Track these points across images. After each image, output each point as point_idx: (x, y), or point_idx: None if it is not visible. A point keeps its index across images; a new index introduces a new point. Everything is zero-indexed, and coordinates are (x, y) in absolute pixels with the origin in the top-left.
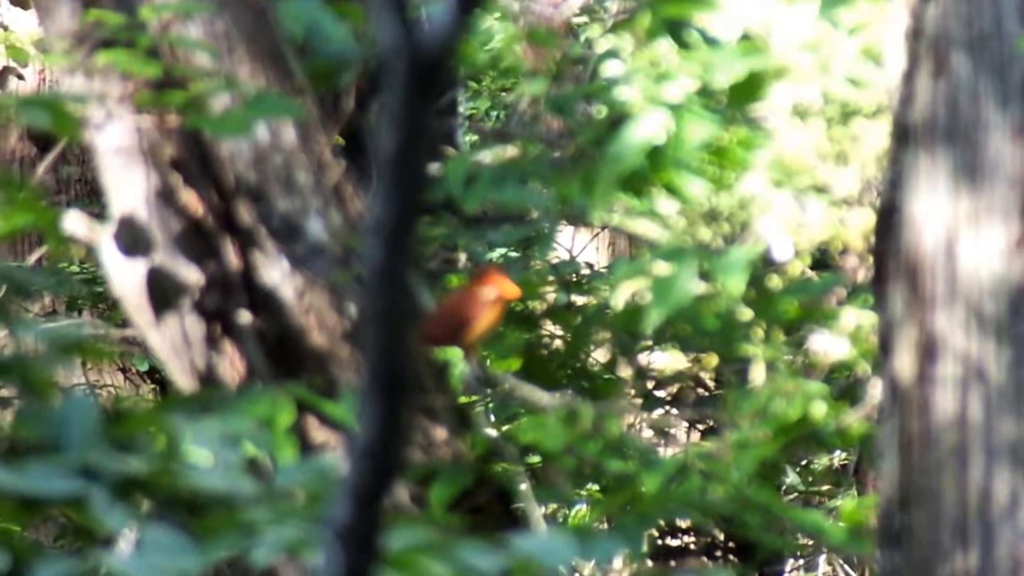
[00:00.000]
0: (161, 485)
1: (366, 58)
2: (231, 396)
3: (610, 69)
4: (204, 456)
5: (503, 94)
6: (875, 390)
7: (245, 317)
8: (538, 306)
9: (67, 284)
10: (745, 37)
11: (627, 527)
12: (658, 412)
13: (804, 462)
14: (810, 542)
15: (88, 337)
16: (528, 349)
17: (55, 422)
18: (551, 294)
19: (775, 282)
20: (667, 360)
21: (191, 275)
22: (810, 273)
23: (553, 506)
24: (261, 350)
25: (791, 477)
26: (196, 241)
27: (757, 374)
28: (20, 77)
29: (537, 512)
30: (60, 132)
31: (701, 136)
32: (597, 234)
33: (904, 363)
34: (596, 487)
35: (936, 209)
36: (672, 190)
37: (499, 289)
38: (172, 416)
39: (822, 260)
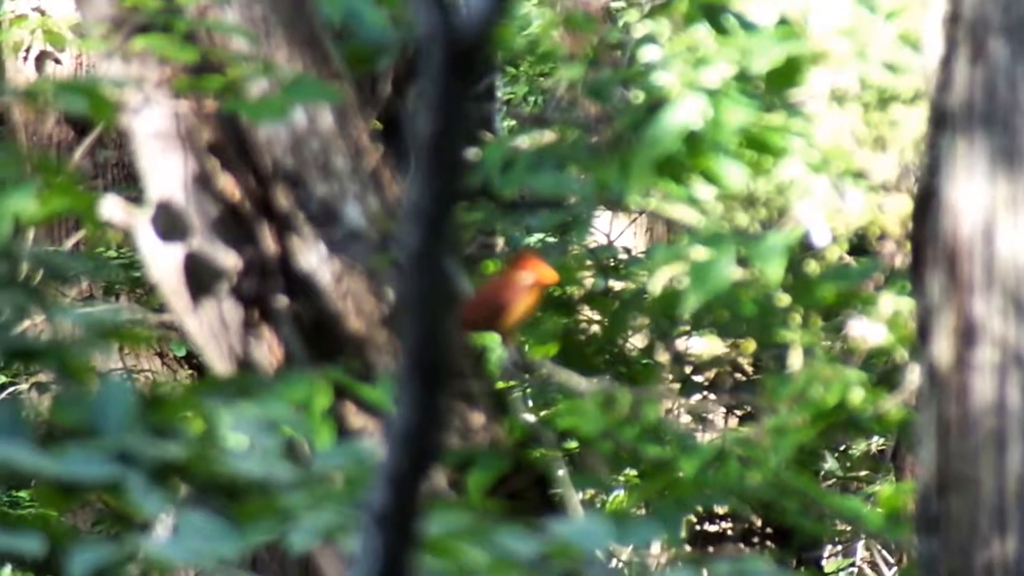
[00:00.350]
0: (198, 470)
1: (403, 43)
2: (268, 381)
3: (648, 54)
4: (241, 441)
5: (541, 79)
6: (913, 376)
7: (282, 302)
8: (576, 291)
9: (104, 269)
10: (783, 22)
11: (665, 512)
12: (696, 397)
13: (842, 448)
14: (848, 528)
15: (125, 322)
16: (566, 334)
17: (92, 407)
18: (589, 279)
19: (813, 268)
20: (705, 345)
21: (228, 260)
22: (848, 259)
23: (591, 491)
24: (298, 335)
25: (829, 463)
26: (233, 226)
27: (795, 360)
28: (57, 62)
29: (575, 497)
30: (97, 117)
31: (739, 121)
32: (635, 219)
33: (942, 349)
34: (634, 472)
35: (974, 194)
36: (710, 175)
37: (536, 274)
38: (209, 401)
39: (860, 246)
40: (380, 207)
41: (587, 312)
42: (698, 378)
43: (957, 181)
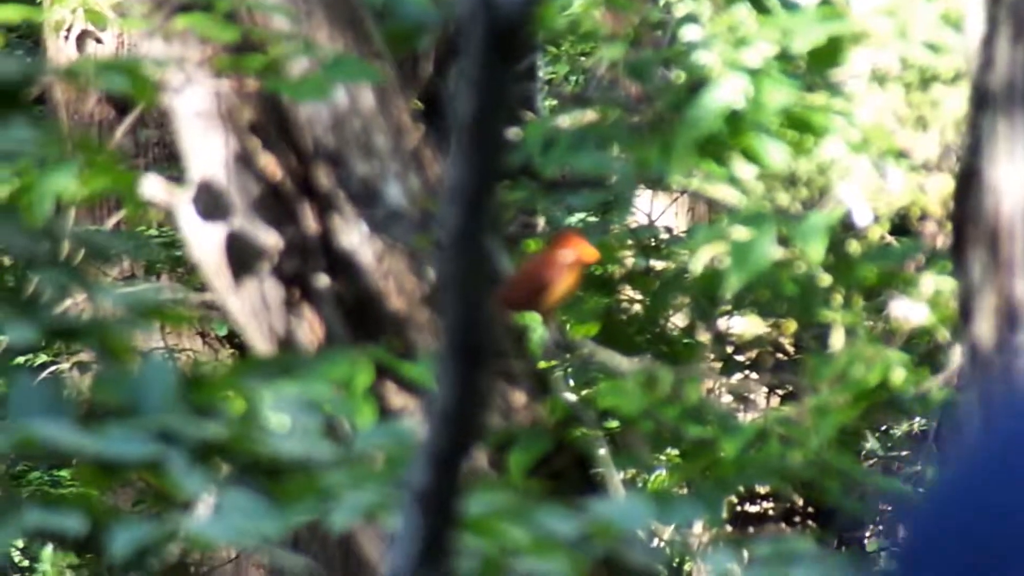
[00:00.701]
0: (239, 449)
1: (445, 22)
2: (309, 360)
3: (689, 34)
4: (282, 420)
5: (582, 59)
6: (955, 356)
7: (323, 281)
8: (617, 271)
9: (145, 248)
10: (824, 2)
11: (706, 492)
12: (737, 377)
13: (883, 428)
14: (889, 508)
15: (166, 301)
16: (607, 314)
17: (134, 386)
18: (630, 259)
19: (854, 247)
20: (746, 325)
21: (270, 239)
22: (889, 239)
23: (632, 471)
24: (339, 314)
25: (870, 443)
26: (274, 205)
27: (836, 339)
28: (99, 41)
29: (616, 477)
30: (138, 96)
31: (780, 101)
32: (676, 199)
33: (984, 329)
34: (675, 452)
35: (1015, 174)
36: (751, 155)
37: (577, 253)
38: (250, 380)
39: (901, 225)
40: (421, 186)
41: (628, 292)
42: (739, 358)
43: (998, 161)
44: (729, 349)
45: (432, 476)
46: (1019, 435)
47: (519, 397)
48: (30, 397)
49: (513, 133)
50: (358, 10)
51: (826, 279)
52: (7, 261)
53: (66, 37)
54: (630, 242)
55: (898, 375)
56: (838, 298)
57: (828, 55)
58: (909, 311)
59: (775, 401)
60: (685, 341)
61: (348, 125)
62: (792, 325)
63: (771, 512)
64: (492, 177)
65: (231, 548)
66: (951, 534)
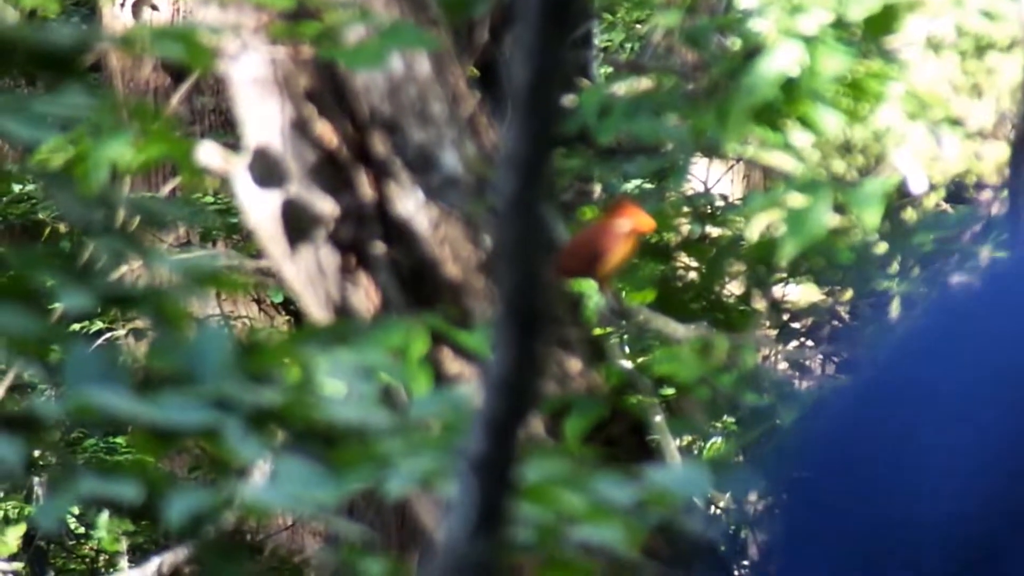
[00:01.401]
0: (295, 416)
1: None
2: (365, 327)
3: (745, 1)
4: (338, 387)
5: (637, 26)
6: None
7: (379, 248)
8: (672, 238)
9: (201, 215)
10: None
11: (763, 460)
12: (793, 344)
13: None
14: None
15: (222, 268)
16: (663, 281)
17: (189, 354)
18: (685, 226)
19: (910, 215)
20: (802, 293)
21: (326, 206)
22: (945, 206)
23: (688, 438)
24: (395, 281)
25: None
26: (330, 172)
27: (893, 308)
28: (154, 8)
29: (672, 444)
30: (194, 63)
31: (835, 68)
32: (731, 166)
33: None
34: (731, 419)
35: None
36: (806, 122)
37: (633, 221)
38: (306, 347)
39: (956, 193)
40: (477, 153)
41: (684, 259)
42: (795, 325)
43: None
44: (785, 316)
45: (488, 443)
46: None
47: (575, 364)
48: (85, 364)
49: (569, 100)
50: None
51: (882, 247)
52: (63, 228)
53: (121, 4)
54: (686, 209)
55: None
56: (894, 266)
57: (883, 22)
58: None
59: (831, 369)
60: (741, 308)
61: (404, 92)
62: (848, 293)
63: None
64: (548, 144)
65: (287, 515)
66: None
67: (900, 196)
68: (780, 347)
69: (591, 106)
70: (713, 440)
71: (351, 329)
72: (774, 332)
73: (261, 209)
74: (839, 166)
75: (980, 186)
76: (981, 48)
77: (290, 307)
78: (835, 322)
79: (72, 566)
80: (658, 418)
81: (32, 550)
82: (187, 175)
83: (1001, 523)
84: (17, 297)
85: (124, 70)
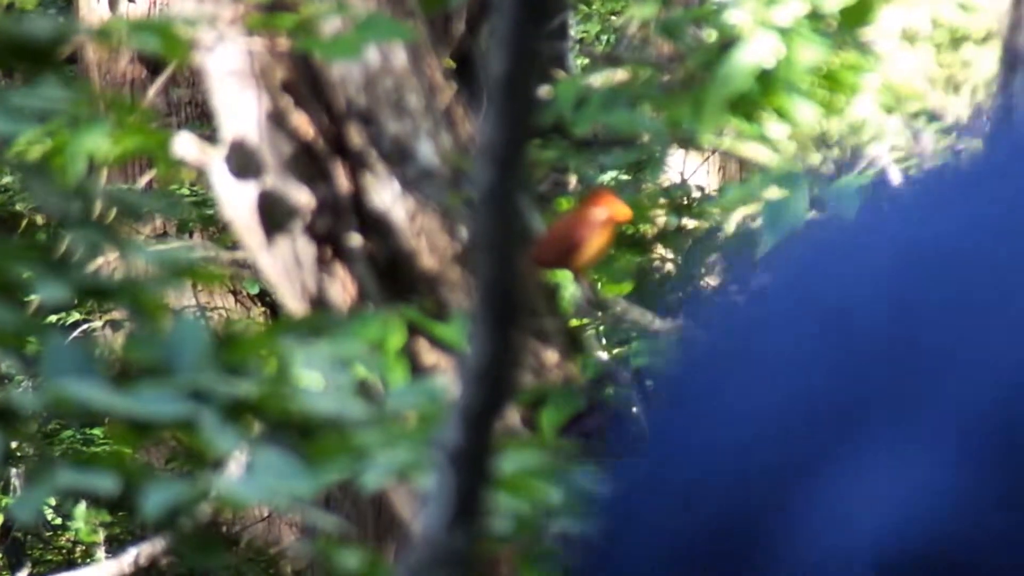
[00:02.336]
0: (271, 408)
1: None
2: (342, 319)
3: None
4: (315, 379)
5: (613, 17)
6: None
7: (356, 240)
8: (649, 229)
9: (178, 207)
10: None
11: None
12: None
13: None
14: None
15: (199, 260)
16: (639, 272)
17: (166, 345)
18: (662, 217)
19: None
20: None
21: (302, 198)
22: None
23: None
24: (372, 273)
25: None
26: (307, 164)
27: None
28: (131, 0)
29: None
30: (170, 55)
31: (811, 60)
32: (708, 157)
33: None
34: None
35: None
36: (782, 114)
37: (610, 211)
38: (283, 339)
39: None
40: (453, 145)
41: (661, 250)
42: None
43: None
44: None
45: (465, 435)
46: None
47: (551, 356)
48: (62, 356)
49: (545, 91)
50: None
51: None
52: (40, 220)
53: None
54: (662, 200)
55: None
56: None
57: (859, 14)
58: None
59: None
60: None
61: (380, 84)
62: None
63: None
64: (524, 135)
65: (263, 507)
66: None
67: (877, 189)
68: None
69: (567, 97)
70: None
71: (328, 321)
72: None
73: (237, 201)
74: (815, 158)
75: None
76: (957, 40)
77: (266, 299)
78: None
79: (49, 557)
80: (635, 410)
81: (9, 541)
82: (163, 167)
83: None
84: None
85: (101, 62)
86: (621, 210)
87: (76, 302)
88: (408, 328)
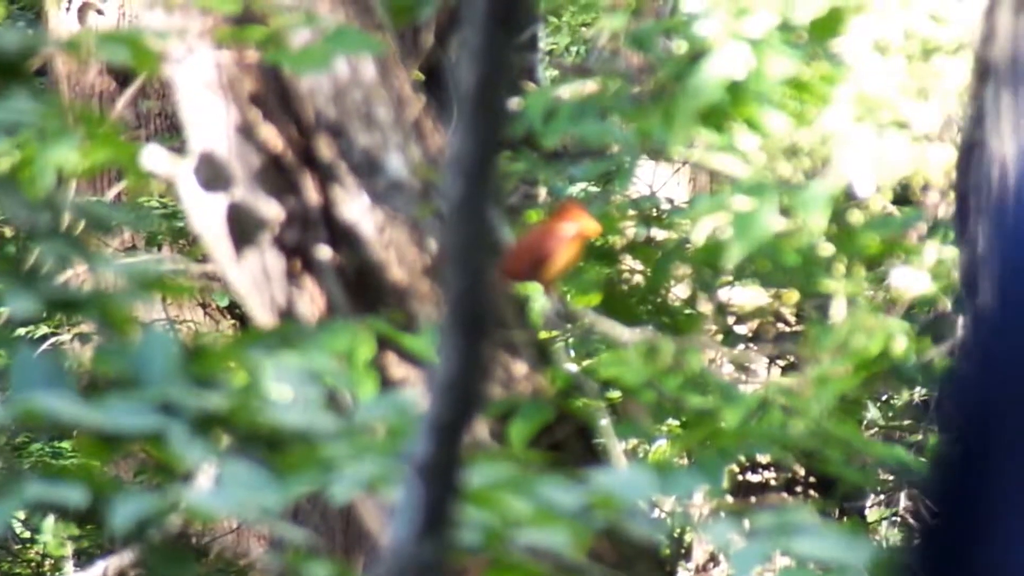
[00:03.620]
0: (241, 421)
1: None
2: (311, 331)
3: (690, 4)
4: (284, 391)
5: (583, 29)
6: (958, 326)
7: (325, 252)
8: (618, 241)
9: (147, 219)
10: None
11: (707, 462)
12: (739, 347)
13: (885, 397)
14: (891, 477)
15: (168, 272)
16: (608, 284)
17: (135, 358)
18: (631, 229)
19: (856, 217)
20: (748, 296)
21: (271, 210)
22: (891, 208)
23: (633, 441)
24: (341, 285)
25: (871, 412)
26: (276, 176)
27: (838, 309)
28: (100, 12)
29: (617, 448)
30: (140, 67)
31: (781, 71)
32: (678, 169)
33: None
34: (676, 422)
35: (1018, 146)
36: (752, 125)
37: (579, 224)
38: (252, 351)
39: (903, 196)
40: (422, 157)
41: (630, 262)
42: (741, 328)
43: (1000, 133)
44: (731, 320)
45: (433, 447)
46: None
47: (520, 367)
48: (31, 369)
49: (514, 104)
50: None
51: (828, 249)
52: (8, 232)
53: (67, 8)
54: (631, 212)
55: (899, 344)
56: (840, 268)
57: (829, 25)
58: (911, 280)
59: (776, 371)
60: (687, 312)
61: (349, 96)
62: (794, 295)
63: (772, 482)
64: (493, 148)
65: (232, 519)
66: None
67: (846, 199)
68: (726, 350)
69: (537, 109)
70: (658, 443)
71: (296, 333)
72: (720, 335)
73: (206, 213)
74: (785, 169)
75: (927, 188)
76: (928, 51)
77: (236, 311)
78: (781, 325)
79: (17, 570)
80: (604, 422)
81: None
82: (132, 179)
83: None
84: None
85: (70, 75)
86: (590, 224)
87: (45, 315)
88: (377, 340)
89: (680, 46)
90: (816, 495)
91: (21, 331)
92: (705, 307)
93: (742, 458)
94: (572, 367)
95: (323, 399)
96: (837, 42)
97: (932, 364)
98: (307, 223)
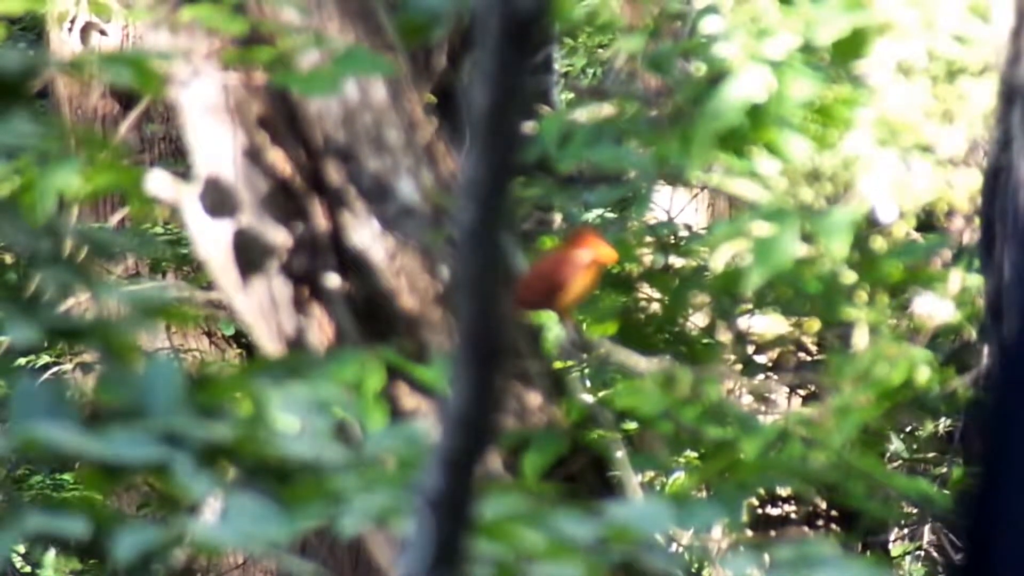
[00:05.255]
0: (247, 452)
1: (459, 13)
2: (319, 360)
3: (709, 25)
4: (291, 422)
5: (599, 51)
6: (983, 355)
7: (334, 280)
8: (635, 269)
9: (151, 246)
10: None
11: (726, 495)
12: (758, 377)
13: (908, 429)
14: (914, 511)
15: (172, 300)
16: (625, 313)
17: (138, 387)
18: (648, 256)
19: (879, 244)
20: (768, 324)
21: (278, 236)
22: (915, 235)
23: (650, 473)
24: (350, 313)
25: (895, 444)
26: (283, 201)
27: (860, 338)
28: (103, 33)
29: (633, 480)
30: (144, 90)
31: (803, 94)
32: (696, 194)
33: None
34: (694, 454)
35: None
36: (773, 149)
37: (595, 252)
38: (259, 381)
39: (927, 222)
40: (434, 182)
41: (647, 290)
42: (760, 358)
43: None
44: (750, 349)
45: (445, 480)
46: None
47: (534, 398)
48: (32, 399)
49: (529, 127)
50: (370, 2)
51: (850, 276)
52: (9, 259)
53: (70, 29)
54: (649, 239)
55: (923, 374)
56: (862, 296)
57: (852, 47)
58: (935, 308)
59: (797, 402)
60: (705, 341)
61: (359, 119)
62: (815, 324)
63: (793, 515)
64: (507, 172)
65: (238, 553)
66: None
67: (869, 225)
68: (745, 380)
69: (552, 133)
70: (676, 475)
71: (304, 362)
72: (739, 365)
73: (212, 239)
74: (807, 194)
75: (951, 214)
76: (953, 73)
77: (242, 340)
78: (801, 354)
79: None
80: (619, 453)
81: None
82: (136, 204)
83: None
84: None
85: (72, 97)
86: (607, 252)
87: (46, 344)
88: (387, 370)
89: (699, 68)
90: (838, 529)
91: (22, 360)
92: (724, 336)
93: (761, 490)
94: (587, 397)
95: (332, 430)
96: (860, 64)
97: (956, 394)
98: (316, 249)
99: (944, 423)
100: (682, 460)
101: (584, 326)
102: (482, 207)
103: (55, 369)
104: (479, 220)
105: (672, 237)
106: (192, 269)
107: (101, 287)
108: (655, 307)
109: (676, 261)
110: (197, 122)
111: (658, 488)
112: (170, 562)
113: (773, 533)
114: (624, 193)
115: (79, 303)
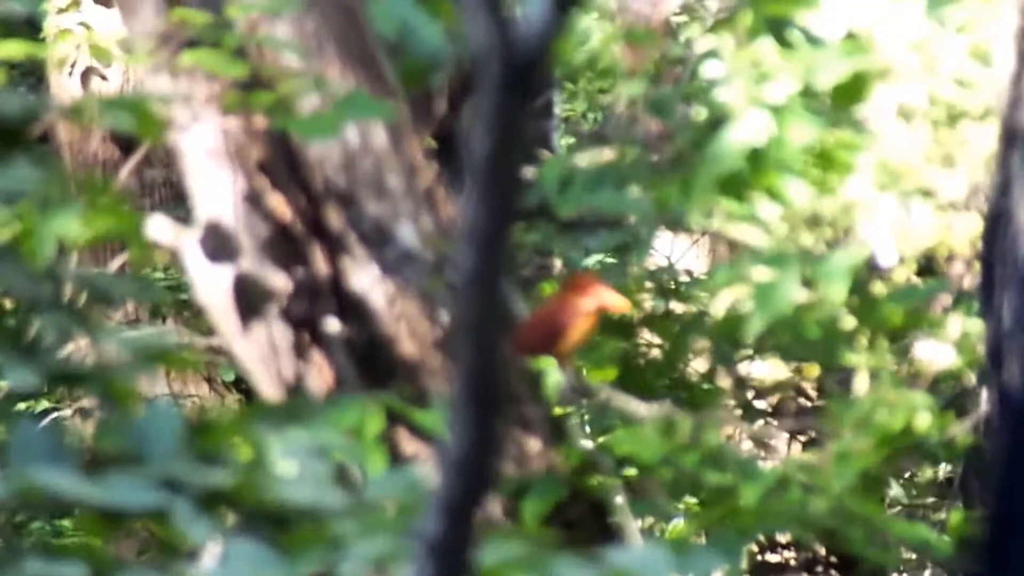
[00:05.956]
0: (246, 497)
1: (459, 58)
2: (319, 406)
3: (710, 70)
4: (291, 467)
5: (600, 95)
6: (983, 401)
7: (334, 325)
8: (635, 314)
9: (150, 291)
10: (849, 36)
11: (725, 541)
12: (758, 423)
13: (908, 474)
14: (914, 556)
15: (172, 346)
16: (625, 358)
17: (138, 433)
18: (648, 301)
19: (879, 289)
20: (768, 369)
21: (278, 282)
22: (915, 279)
23: (649, 519)
24: (350, 359)
25: (894, 489)
26: (284, 247)
27: (860, 383)
28: (103, 78)
29: (633, 526)
30: (144, 134)
31: (803, 138)
32: (696, 240)
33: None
34: (694, 500)
35: None
36: (774, 194)
37: (599, 299)
38: (258, 426)
39: (927, 266)
40: (434, 227)
41: (647, 335)
42: (760, 403)
43: None
44: (750, 394)
45: (445, 525)
46: None
47: (534, 444)
48: (32, 444)
49: (529, 172)
50: (370, 46)
51: (850, 321)
52: (9, 304)
53: (70, 73)
54: (649, 284)
55: (923, 420)
56: (862, 341)
57: (853, 91)
58: (935, 353)
59: (796, 447)
60: (705, 386)
61: (359, 164)
62: (814, 369)
63: (792, 561)
64: (507, 217)
65: None
66: None
67: (869, 269)
68: (745, 425)
69: (552, 178)
70: (675, 521)
71: (304, 408)
72: (739, 410)
73: (212, 284)
74: (807, 239)
75: (952, 259)
76: (953, 117)
77: (241, 386)
78: (801, 399)
79: None
80: (619, 499)
81: None
82: (136, 250)
83: None
84: None
85: (72, 141)
86: (615, 300)
87: (46, 389)
88: (387, 415)
89: (700, 113)
90: (837, 575)
91: (22, 405)
92: (724, 381)
93: (761, 537)
94: (587, 443)
95: (331, 475)
96: (861, 108)
97: (956, 440)
98: (315, 295)
99: (944, 469)
100: (682, 506)
101: (584, 372)
102: (482, 252)
103: (54, 415)
104: (479, 265)
105: (672, 282)
106: (192, 314)
107: (101, 332)
108: (655, 352)
109: (676, 306)
110: (197, 167)
111: (657, 534)
112: None
113: None
114: (625, 238)
115: (79, 348)
